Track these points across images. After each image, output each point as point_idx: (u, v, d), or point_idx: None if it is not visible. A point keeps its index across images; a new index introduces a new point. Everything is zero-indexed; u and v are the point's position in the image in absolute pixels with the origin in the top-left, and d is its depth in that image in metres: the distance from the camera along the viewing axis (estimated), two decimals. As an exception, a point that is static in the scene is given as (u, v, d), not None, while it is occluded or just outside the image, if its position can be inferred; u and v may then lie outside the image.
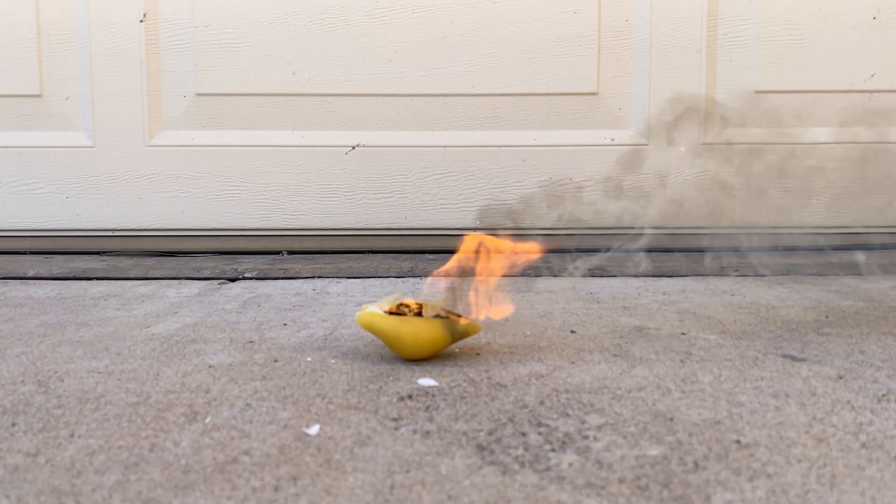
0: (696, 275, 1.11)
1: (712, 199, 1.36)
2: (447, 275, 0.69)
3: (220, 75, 1.34)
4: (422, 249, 1.35)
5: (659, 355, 0.69)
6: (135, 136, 1.34)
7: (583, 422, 0.52)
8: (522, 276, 0.90)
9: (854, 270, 1.14)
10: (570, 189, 1.26)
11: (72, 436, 0.50)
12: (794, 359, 0.68)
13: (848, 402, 0.56)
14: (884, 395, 0.57)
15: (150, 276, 1.15)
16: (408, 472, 0.44)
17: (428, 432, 0.50)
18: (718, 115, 1.35)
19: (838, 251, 1.26)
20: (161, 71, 1.34)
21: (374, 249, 1.35)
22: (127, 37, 1.33)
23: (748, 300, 0.94)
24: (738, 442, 0.48)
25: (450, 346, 0.70)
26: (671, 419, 0.52)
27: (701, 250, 1.27)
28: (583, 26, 1.33)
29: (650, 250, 1.12)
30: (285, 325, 0.83)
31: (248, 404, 0.56)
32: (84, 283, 1.10)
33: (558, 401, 0.56)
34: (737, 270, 0.98)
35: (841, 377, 0.62)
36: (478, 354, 0.69)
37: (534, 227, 1.36)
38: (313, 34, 1.34)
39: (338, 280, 1.11)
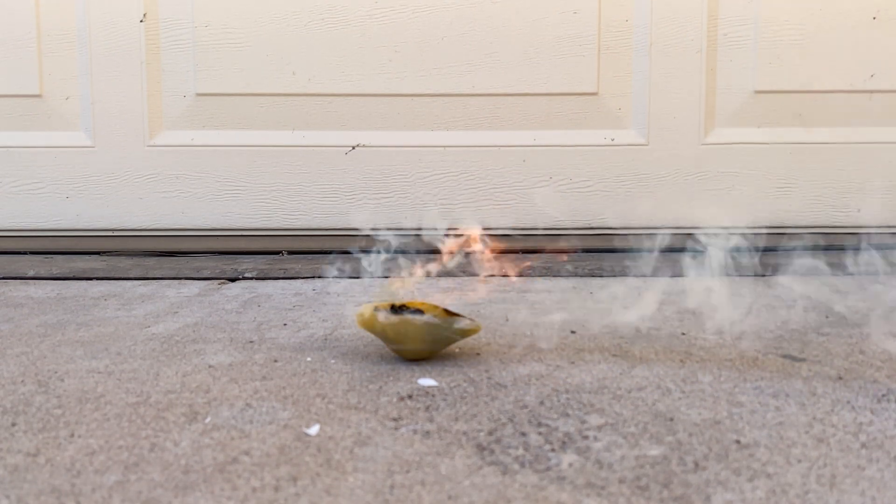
0: (697, 275, 1.11)
1: (714, 199, 1.36)
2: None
3: (220, 75, 1.34)
4: (422, 250, 1.34)
5: (659, 355, 0.69)
6: (135, 136, 1.34)
7: (583, 422, 0.52)
8: (522, 275, 0.90)
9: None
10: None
11: (72, 436, 0.50)
12: (794, 359, 0.68)
13: (848, 402, 0.56)
14: (884, 395, 0.57)
15: (150, 276, 1.15)
16: (408, 472, 0.44)
17: (428, 432, 0.50)
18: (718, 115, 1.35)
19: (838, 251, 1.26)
20: (161, 71, 1.34)
21: (374, 250, 1.35)
22: (127, 37, 1.33)
23: (747, 300, 0.94)
24: (738, 442, 0.48)
25: (450, 346, 0.70)
26: (671, 419, 0.52)
27: (701, 250, 1.27)
28: (583, 26, 1.33)
29: (650, 251, 1.12)
30: (285, 325, 0.83)
31: (248, 404, 0.56)
32: (84, 283, 1.10)
33: (558, 401, 0.56)
34: (737, 270, 0.98)
35: (841, 377, 0.62)
36: (478, 354, 0.69)
37: (535, 226, 1.36)
38: (313, 34, 1.34)
39: (338, 280, 1.11)
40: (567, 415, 0.53)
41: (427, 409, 0.55)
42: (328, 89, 1.34)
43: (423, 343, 0.65)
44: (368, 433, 0.50)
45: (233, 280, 1.12)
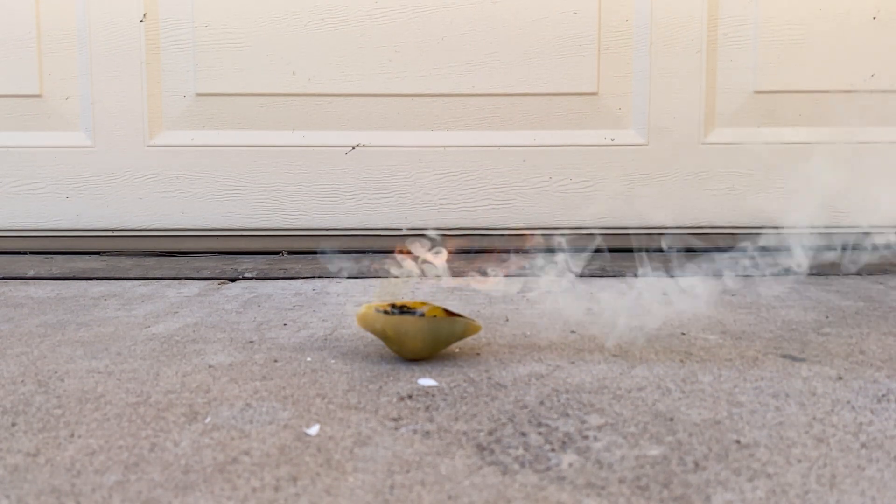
0: (697, 275, 1.11)
1: (715, 199, 1.36)
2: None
3: (220, 75, 1.34)
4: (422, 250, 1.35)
5: (659, 355, 0.69)
6: (135, 136, 1.34)
7: (583, 422, 0.52)
8: (522, 276, 0.90)
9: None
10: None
11: (72, 436, 0.50)
12: (794, 359, 0.68)
13: (848, 402, 0.56)
14: (884, 395, 0.57)
15: (150, 276, 1.15)
16: (408, 472, 0.44)
17: (428, 432, 0.50)
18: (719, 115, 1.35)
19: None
20: (161, 71, 1.34)
21: (375, 249, 1.35)
22: (127, 37, 1.33)
23: (748, 300, 0.94)
24: (738, 442, 0.48)
25: (450, 346, 0.70)
26: (671, 419, 0.52)
27: (700, 251, 1.27)
28: (583, 26, 1.33)
29: (649, 251, 1.12)
30: (285, 325, 0.83)
31: (248, 404, 0.56)
32: (84, 283, 1.10)
33: (558, 401, 0.56)
34: (741, 270, 0.98)
35: (841, 377, 0.62)
36: (478, 354, 0.69)
37: (532, 226, 1.36)
38: (313, 34, 1.34)
39: (338, 280, 1.11)
40: (567, 415, 0.53)
41: (427, 409, 0.55)
42: (328, 89, 1.34)
43: (423, 343, 0.65)
44: (368, 433, 0.50)
45: (233, 280, 1.12)
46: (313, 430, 0.51)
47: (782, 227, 1.32)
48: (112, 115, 1.34)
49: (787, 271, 1.14)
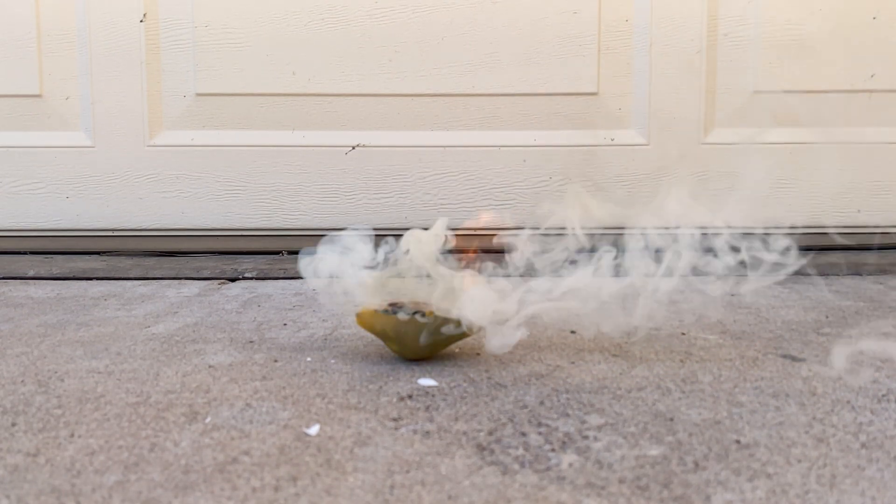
0: (697, 275, 1.11)
1: (715, 199, 1.36)
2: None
3: (220, 75, 1.34)
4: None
5: (659, 355, 0.69)
6: (135, 136, 1.34)
7: (583, 422, 0.52)
8: (522, 275, 0.90)
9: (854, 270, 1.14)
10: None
11: (72, 436, 0.50)
12: (794, 359, 0.68)
13: (848, 402, 0.56)
14: (884, 395, 0.57)
15: (150, 276, 1.15)
16: (408, 472, 0.44)
17: (428, 432, 0.50)
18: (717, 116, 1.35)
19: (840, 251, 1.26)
20: (161, 71, 1.34)
21: (374, 249, 1.35)
22: (127, 37, 1.33)
23: (748, 300, 0.94)
24: (738, 442, 0.48)
25: (450, 346, 0.70)
26: (671, 419, 0.52)
27: (702, 250, 1.27)
28: (583, 26, 1.33)
29: (648, 250, 1.12)
30: (285, 325, 0.83)
31: (248, 404, 0.56)
32: (84, 283, 1.10)
33: (558, 401, 0.56)
34: (736, 271, 0.98)
35: (841, 377, 0.62)
36: (478, 354, 0.69)
37: (535, 226, 1.36)
38: (313, 34, 1.34)
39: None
40: (567, 415, 0.53)
41: (427, 409, 0.55)
42: (328, 89, 1.34)
43: (423, 343, 0.65)
44: (368, 433, 0.50)
45: (233, 280, 1.12)
46: (313, 430, 0.51)
47: (782, 228, 1.31)
48: (112, 115, 1.34)
49: (786, 271, 1.13)
